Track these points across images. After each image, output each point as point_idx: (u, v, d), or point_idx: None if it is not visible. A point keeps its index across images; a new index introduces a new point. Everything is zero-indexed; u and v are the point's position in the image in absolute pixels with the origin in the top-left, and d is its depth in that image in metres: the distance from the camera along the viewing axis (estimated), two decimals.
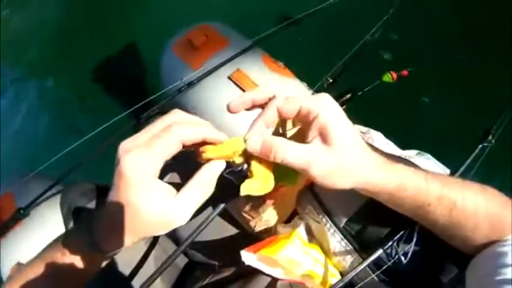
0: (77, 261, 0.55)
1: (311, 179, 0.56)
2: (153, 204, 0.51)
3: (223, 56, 1.27)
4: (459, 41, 2.39)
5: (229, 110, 0.60)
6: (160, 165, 0.52)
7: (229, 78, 1.22)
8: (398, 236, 0.73)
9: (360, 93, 1.60)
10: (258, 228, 0.89)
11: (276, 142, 0.55)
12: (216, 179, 0.55)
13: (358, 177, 0.57)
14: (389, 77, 1.72)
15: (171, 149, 0.52)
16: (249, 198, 0.59)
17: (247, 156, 0.57)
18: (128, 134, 1.18)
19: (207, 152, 0.54)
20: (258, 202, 0.83)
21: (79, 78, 2.61)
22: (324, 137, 0.55)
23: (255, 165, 0.57)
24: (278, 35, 1.38)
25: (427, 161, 0.88)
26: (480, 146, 1.16)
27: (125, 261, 0.98)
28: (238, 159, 0.57)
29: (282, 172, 0.58)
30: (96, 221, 0.55)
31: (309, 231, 0.86)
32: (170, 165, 0.57)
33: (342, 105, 1.58)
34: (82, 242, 0.55)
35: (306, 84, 1.27)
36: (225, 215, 1.03)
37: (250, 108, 0.61)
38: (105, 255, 0.56)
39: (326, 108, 0.55)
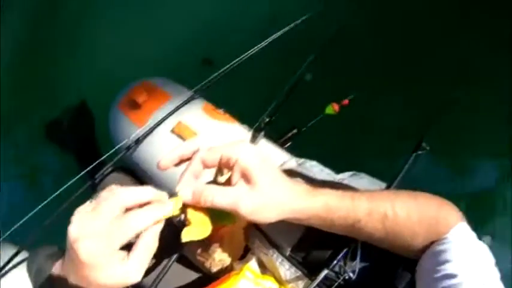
0: None
1: (243, 217, 0.62)
2: (107, 274, 0.55)
3: (165, 110, 1.32)
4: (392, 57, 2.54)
5: (159, 167, 0.66)
6: (116, 251, 0.55)
7: (172, 131, 1.28)
8: (341, 254, 0.78)
9: (304, 129, 1.68)
10: (214, 269, 0.91)
11: (205, 189, 0.61)
12: (158, 236, 0.59)
13: (284, 208, 0.64)
14: (331, 109, 1.79)
15: (127, 239, 0.55)
16: (192, 243, 0.64)
17: (183, 206, 0.62)
18: (86, 194, 1.21)
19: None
20: (205, 245, 0.88)
21: (31, 141, 2.61)
22: (246, 179, 0.61)
23: (191, 213, 0.62)
24: (217, 82, 1.44)
25: (361, 180, 0.94)
26: (414, 154, 1.21)
27: None
28: (176, 212, 0.62)
29: (220, 214, 0.63)
30: (57, 282, 0.59)
31: (261, 264, 0.90)
32: None
33: (288, 141, 1.66)
34: None
35: (246, 126, 1.33)
36: (185, 261, 1.06)
37: (179, 163, 0.67)
38: None
39: (243, 153, 0.62)
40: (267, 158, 0.65)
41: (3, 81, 2.74)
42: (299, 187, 0.66)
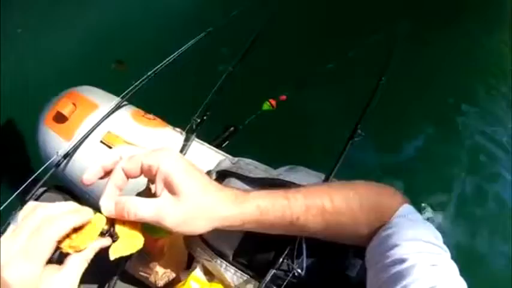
0: None
1: (169, 230, 0.58)
2: None
3: (93, 121, 1.27)
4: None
5: (83, 183, 0.61)
6: (43, 267, 0.52)
7: (101, 142, 1.23)
8: (285, 252, 0.76)
9: (241, 127, 1.67)
10: (160, 282, 0.88)
11: (127, 202, 0.57)
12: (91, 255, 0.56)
13: (214, 216, 0.60)
14: (268, 105, 1.79)
15: (49, 251, 0.51)
16: (134, 258, 0.60)
17: (112, 220, 0.58)
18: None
19: (75, 247, 0.55)
20: (145, 259, 0.85)
21: None
22: (170, 188, 0.57)
23: (118, 227, 0.58)
24: (144, 87, 1.40)
25: (298, 173, 0.92)
26: (350, 142, 1.22)
27: None
28: (105, 226, 0.58)
29: (153, 226, 0.59)
30: None
31: (207, 271, 0.87)
32: None
33: (226, 140, 1.64)
34: None
35: (179, 129, 1.30)
36: (129, 278, 1.02)
37: (105, 176, 0.62)
38: None
39: (164, 160, 0.58)
40: (191, 164, 0.61)
41: None
42: (227, 193, 0.62)
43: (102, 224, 0.57)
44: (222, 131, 1.68)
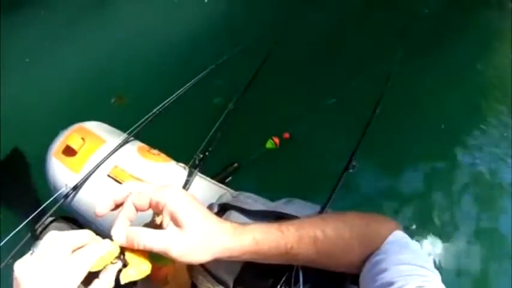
0: None
1: (175, 259, 0.64)
2: None
3: (101, 155, 1.33)
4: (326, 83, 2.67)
5: (96, 215, 0.68)
6: None
7: (108, 176, 1.29)
8: (282, 280, 0.81)
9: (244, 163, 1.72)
10: None
11: (137, 233, 0.63)
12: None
13: (214, 248, 0.66)
14: (272, 143, 1.85)
15: (82, 277, 0.58)
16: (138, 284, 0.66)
17: (122, 248, 0.65)
18: (27, 245, 1.19)
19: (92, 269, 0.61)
20: (149, 285, 0.89)
21: None
22: (175, 222, 0.64)
23: (128, 255, 0.65)
24: (150, 122, 1.47)
25: (294, 206, 0.98)
26: (345, 173, 1.28)
27: None
28: (116, 254, 0.64)
29: (157, 254, 0.65)
30: None
31: None
32: None
33: (229, 175, 1.69)
34: None
35: (182, 164, 1.36)
36: None
37: (115, 208, 0.69)
38: None
39: (170, 197, 0.64)
40: (194, 199, 0.68)
41: None
42: (226, 226, 0.69)
43: (116, 252, 0.64)
44: (226, 166, 1.73)
